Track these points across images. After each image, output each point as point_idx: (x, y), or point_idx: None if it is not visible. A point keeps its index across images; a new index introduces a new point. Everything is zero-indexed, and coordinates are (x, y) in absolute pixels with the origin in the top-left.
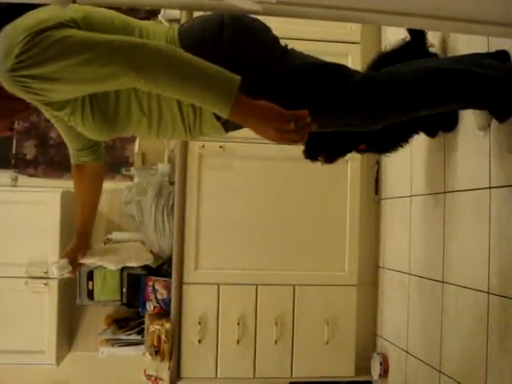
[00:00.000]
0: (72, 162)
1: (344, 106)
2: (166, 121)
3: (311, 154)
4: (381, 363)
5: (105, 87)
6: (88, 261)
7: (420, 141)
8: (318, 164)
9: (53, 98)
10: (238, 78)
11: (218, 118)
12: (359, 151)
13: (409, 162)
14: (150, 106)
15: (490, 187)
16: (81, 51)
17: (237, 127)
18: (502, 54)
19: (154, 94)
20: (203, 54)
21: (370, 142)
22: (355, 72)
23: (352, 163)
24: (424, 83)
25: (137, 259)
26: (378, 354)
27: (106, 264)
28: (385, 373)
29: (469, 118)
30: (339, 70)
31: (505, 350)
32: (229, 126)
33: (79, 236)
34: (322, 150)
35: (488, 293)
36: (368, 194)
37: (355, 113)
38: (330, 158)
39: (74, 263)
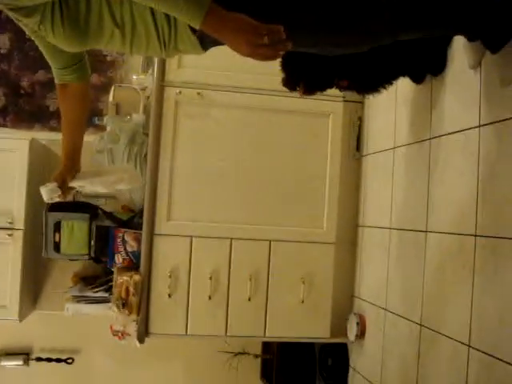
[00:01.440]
0: (56, 81)
1: (330, 18)
2: (139, 33)
3: (290, 83)
4: (357, 323)
5: None
6: (77, 183)
7: (405, 88)
8: (298, 119)
9: (21, 2)
10: None
11: (194, 31)
12: (340, 87)
13: (392, 112)
14: (122, 16)
15: (479, 125)
16: None
17: (215, 43)
18: None
19: (127, 3)
20: None
21: (353, 79)
22: None
23: (334, 118)
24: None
25: (129, 182)
26: (355, 314)
27: (97, 187)
28: (361, 334)
29: (458, 59)
30: None
31: (492, 293)
32: (205, 41)
33: (67, 158)
34: (302, 79)
35: (475, 235)
36: (349, 150)
37: (341, 27)
38: (310, 89)
39: (64, 186)
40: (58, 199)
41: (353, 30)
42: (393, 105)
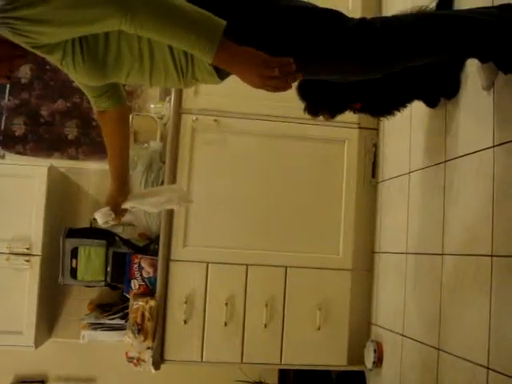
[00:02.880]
0: (94, 109)
1: (338, 50)
2: (157, 65)
3: (312, 110)
4: (375, 350)
5: (93, 29)
6: (129, 205)
7: (419, 112)
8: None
9: (42, 41)
10: (223, 22)
11: None
12: (354, 110)
13: (407, 137)
14: (140, 49)
15: (493, 146)
16: None
17: (230, 73)
18: (506, 7)
19: (144, 38)
20: None
21: (366, 101)
22: (350, 18)
23: (349, 145)
24: (423, 26)
25: (179, 201)
26: (372, 341)
27: (148, 207)
28: (379, 361)
29: (471, 81)
30: (334, 14)
31: (510, 314)
32: (221, 70)
33: (116, 181)
34: (323, 105)
35: (491, 256)
36: (365, 176)
37: (350, 58)
38: (332, 113)
39: (117, 209)
40: (112, 222)
41: (363, 59)
42: (407, 130)
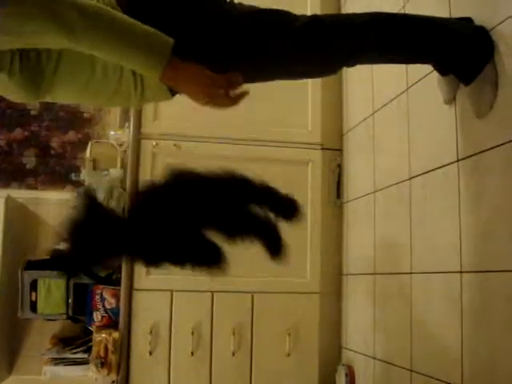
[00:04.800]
0: None
1: (290, 49)
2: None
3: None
4: (346, 374)
5: (33, 43)
6: None
7: (381, 130)
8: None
9: None
10: (171, 40)
11: None
12: None
13: (371, 156)
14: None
15: (457, 160)
16: (8, 2)
17: None
18: (465, 20)
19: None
20: (136, 15)
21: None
22: (301, 15)
23: (313, 166)
24: (379, 24)
25: None
26: (343, 365)
27: None
28: None
29: (432, 97)
30: (282, 13)
31: (482, 331)
32: None
33: None
34: None
35: (461, 272)
36: (330, 197)
37: (301, 56)
38: None
39: None
40: None
41: (314, 56)
42: (370, 149)
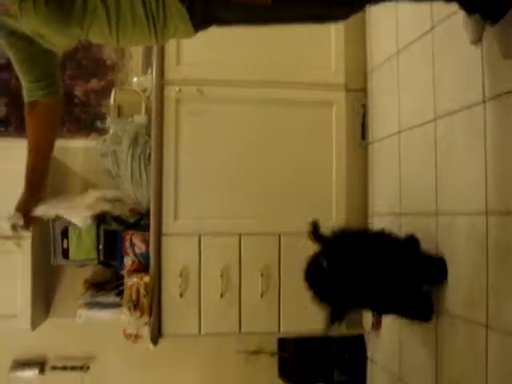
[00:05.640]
0: (25, 99)
1: None
2: (124, 13)
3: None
4: (373, 314)
5: None
6: (40, 211)
7: (406, 69)
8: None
9: None
10: None
11: (183, 1)
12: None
13: (396, 96)
14: None
15: (484, 101)
16: None
17: (204, 21)
18: None
19: None
20: None
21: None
22: None
23: (337, 107)
24: None
25: (91, 207)
26: None
27: (61, 213)
28: (378, 324)
29: (458, 38)
30: None
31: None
32: (195, 16)
33: (29, 185)
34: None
35: (486, 214)
36: (355, 139)
37: None
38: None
39: (27, 216)
40: (20, 229)
41: None
42: (395, 88)
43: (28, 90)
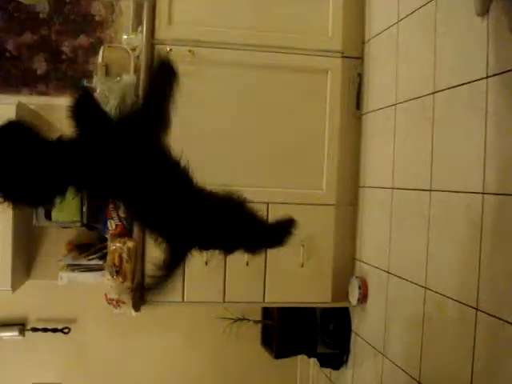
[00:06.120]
0: None
1: None
2: None
3: None
4: (359, 287)
5: None
6: None
7: (407, 38)
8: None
9: None
10: None
11: None
12: None
13: (394, 66)
14: None
15: (486, 76)
16: None
17: None
18: None
19: None
20: None
21: None
22: None
23: (332, 75)
24: None
25: None
26: (357, 277)
27: None
28: (363, 298)
29: (463, 8)
30: None
31: (499, 251)
32: None
33: None
34: None
35: (483, 193)
36: (349, 108)
37: None
38: None
39: None
40: None
41: None
42: (394, 58)
43: None
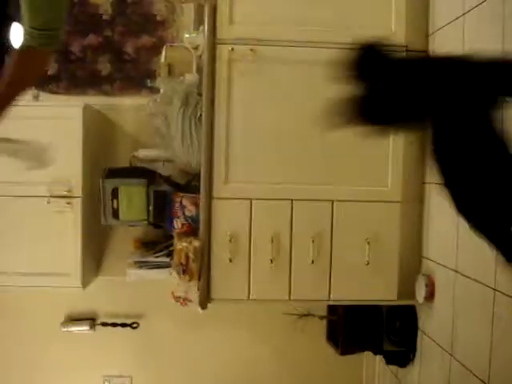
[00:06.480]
0: (22, 43)
1: None
2: None
3: None
4: (426, 285)
5: None
6: None
7: (471, 31)
8: None
9: None
10: None
11: None
12: None
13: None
14: None
15: None
16: None
17: None
18: None
19: None
20: None
21: None
22: None
23: None
24: None
25: (28, 157)
26: (424, 275)
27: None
28: (430, 296)
29: None
30: None
31: None
32: None
33: None
34: None
35: None
36: None
37: None
38: None
39: None
40: None
41: None
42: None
43: (29, 36)
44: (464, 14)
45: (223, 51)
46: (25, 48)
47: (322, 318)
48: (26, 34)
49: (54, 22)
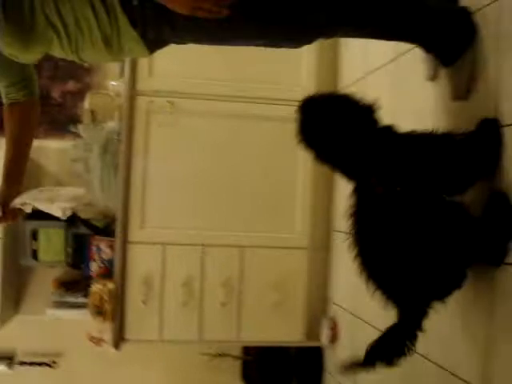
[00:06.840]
0: (4, 102)
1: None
2: (83, 32)
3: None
4: (331, 328)
5: None
6: (19, 202)
7: (372, 88)
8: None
9: None
10: None
11: (135, 27)
12: None
13: None
14: (65, 16)
15: None
16: None
17: (157, 43)
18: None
19: (67, 3)
20: None
21: None
22: None
23: None
24: None
25: (69, 199)
26: (328, 318)
27: (37, 203)
28: (334, 338)
29: (419, 71)
30: None
31: None
32: (148, 38)
33: (8, 177)
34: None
35: None
36: None
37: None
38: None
39: (5, 208)
40: None
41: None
42: None
43: (6, 94)
44: (366, 75)
45: (142, 102)
46: (10, 104)
47: (236, 358)
48: (3, 93)
49: (22, 74)
